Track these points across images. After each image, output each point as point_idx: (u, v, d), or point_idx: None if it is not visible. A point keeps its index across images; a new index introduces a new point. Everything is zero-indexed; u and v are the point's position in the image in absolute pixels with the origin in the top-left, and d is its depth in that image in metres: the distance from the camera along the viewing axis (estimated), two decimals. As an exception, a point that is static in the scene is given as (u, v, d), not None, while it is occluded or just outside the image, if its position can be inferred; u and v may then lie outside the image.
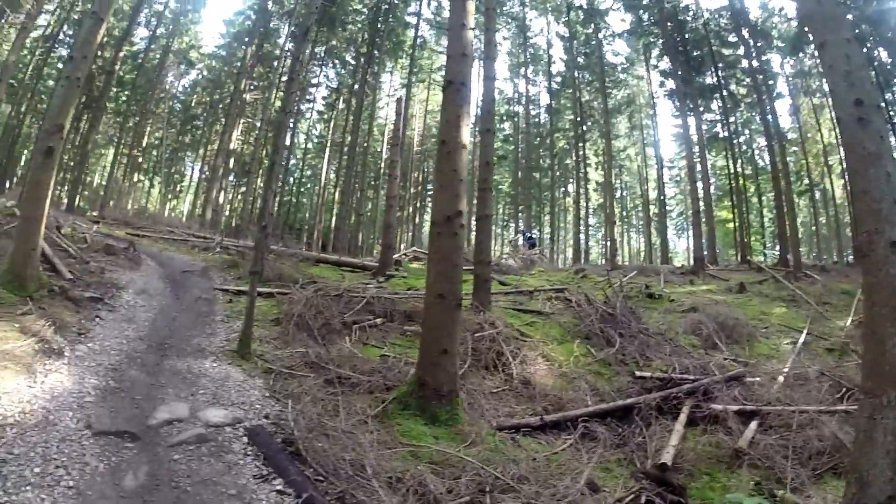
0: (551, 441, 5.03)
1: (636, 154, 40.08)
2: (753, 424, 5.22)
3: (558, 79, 32.40)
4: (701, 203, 20.04)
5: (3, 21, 24.86)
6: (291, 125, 27.25)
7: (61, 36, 27.60)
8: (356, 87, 31.03)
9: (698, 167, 20.88)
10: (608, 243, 26.63)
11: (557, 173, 34.32)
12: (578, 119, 30.06)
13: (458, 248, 5.19)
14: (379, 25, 29.07)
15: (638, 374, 6.72)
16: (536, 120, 35.18)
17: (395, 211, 16.18)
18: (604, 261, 28.66)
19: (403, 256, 18.30)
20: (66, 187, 27.79)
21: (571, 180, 34.95)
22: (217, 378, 5.37)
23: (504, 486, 3.77)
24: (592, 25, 28.60)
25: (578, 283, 12.78)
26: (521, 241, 21.45)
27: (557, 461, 4.54)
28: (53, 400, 4.22)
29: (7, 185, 26.15)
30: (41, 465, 3.31)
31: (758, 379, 6.46)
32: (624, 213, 42.90)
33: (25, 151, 30.36)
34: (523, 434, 4.97)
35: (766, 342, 9.06)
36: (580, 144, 30.43)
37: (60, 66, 25.32)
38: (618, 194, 38.49)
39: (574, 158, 31.86)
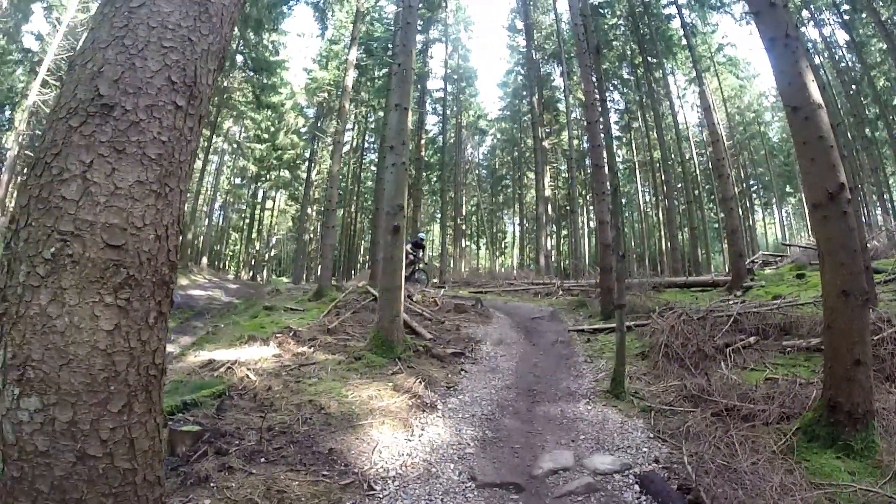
0: None
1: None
2: None
3: (846, 7, 26.08)
4: None
5: (318, 145, 34.22)
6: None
7: (366, 145, 37.61)
8: (644, 99, 31.08)
9: None
10: None
11: (890, 118, 27.26)
12: (890, 45, 23.60)
13: (852, 231, 4.41)
14: (642, 30, 28.63)
15: None
16: (843, 65, 28.61)
17: (736, 213, 15.41)
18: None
19: (752, 263, 17.46)
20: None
21: (909, 123, 27.97)
22: (594, 421, 5.29)
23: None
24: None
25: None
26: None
27: None
28: (433, 452, 4.38)
29: (352, 271, 34.39)
30: (426, 519, 3.41)
31: None
32: None
33: (362, 242, 39.76)
34: (952, 461, 4.05)
35: None
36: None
37: (373, 168, 35.15)
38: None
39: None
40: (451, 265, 34.18)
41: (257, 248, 42.68)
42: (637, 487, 3.83)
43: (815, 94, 4.60)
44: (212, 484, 3.35)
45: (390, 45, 24.99)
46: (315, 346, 7.51)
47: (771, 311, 7.84)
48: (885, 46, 24.81)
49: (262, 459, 3.79)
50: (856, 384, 4.14)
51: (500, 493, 3.76)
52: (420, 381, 6.12)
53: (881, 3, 24.05)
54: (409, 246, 15.74)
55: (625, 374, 6.19)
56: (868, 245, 12.74)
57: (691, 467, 3.88)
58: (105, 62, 1.90)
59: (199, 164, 29.05)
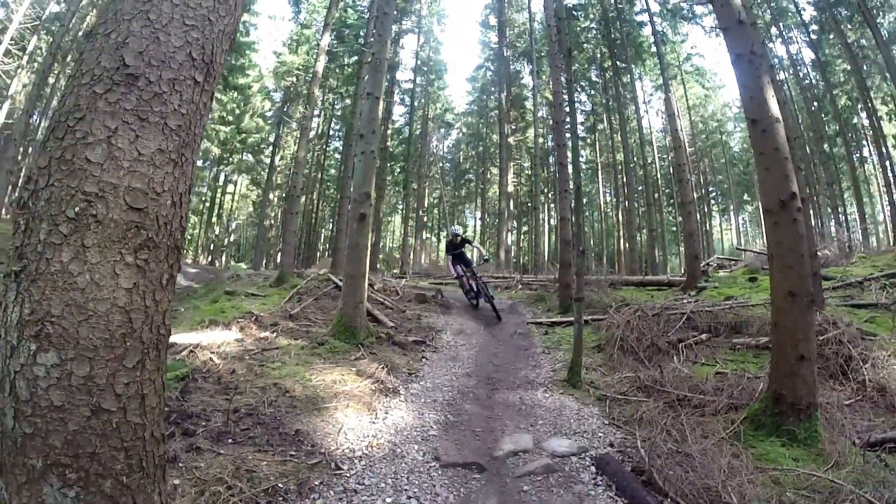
0: (921, 459, 4.39)
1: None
2: None
3: (814, 27, 27.55)
4: None
5: (283, 130, 33.90)
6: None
7: (331, 132, 37.54)
8: (611, 102, 31.67)
9: None
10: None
11: (849, 136, 29.09)
12: (854, 66, 25.20)
13: (801, 236, 4.76)
14: (613, 35, 29.22)
15: None
16: (807, 82, 30.03)
17: (694, 217, 15.66)
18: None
19: (707, 266, 17.92)
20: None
21: (865, 143, 29.97)
22: (552, 408, 5.49)
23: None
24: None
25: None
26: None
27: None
28: (398, 434, 4.52)
29: (313, 259, 34.34)
30: (393, 496, 3.53)
31: None
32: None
33: (323, 230, 40.07)
34: (889, 451, 4.42)
35: None
36: (865, 95, 25.39)
37: (337, 156, 35.49)
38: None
39: (864, 114, 27.08)
40: (412, 256, 34.29)
41: (216, 232, 41.73)
42: (593, 469, 4.03)
43: (775, 108, 4.89)
44: (180, 464, 3.38)
45: (362, 33, 24.80)
46: (278, 332, 7.53)
47: (723, 310, 8.21)
48: (849, 67, 26.04)
49: (230, 440, 3.85)
50: (799, 378, 4.42)
51: (463, 472, 3.91)
52: (383, 367, 6.23)
53: (848, 26, 25.19)
54: (449, 257, 12.24)
55: (581, 365, 6.45)
56: (819, 253, 13.51)
57: (644, 451, 4.07)
58: (130, 34, 1.95)
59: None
